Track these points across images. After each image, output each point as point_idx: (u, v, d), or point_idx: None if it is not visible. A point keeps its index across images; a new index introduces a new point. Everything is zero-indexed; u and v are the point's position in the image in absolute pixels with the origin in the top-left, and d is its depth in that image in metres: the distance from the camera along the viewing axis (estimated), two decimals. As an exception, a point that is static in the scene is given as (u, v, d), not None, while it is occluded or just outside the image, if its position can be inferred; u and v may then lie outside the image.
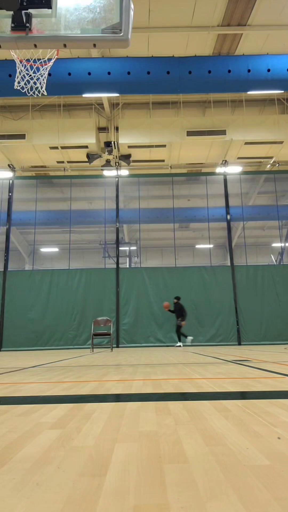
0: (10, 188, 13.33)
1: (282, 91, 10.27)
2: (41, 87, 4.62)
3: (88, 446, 0.94)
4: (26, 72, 4.48)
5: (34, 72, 4.50)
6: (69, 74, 9.34)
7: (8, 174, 13.42)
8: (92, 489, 0.67)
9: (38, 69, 4.49)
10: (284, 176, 13.75)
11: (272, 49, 10.63)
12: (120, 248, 13.94)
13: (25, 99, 12.52)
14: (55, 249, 20.89)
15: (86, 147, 13.03)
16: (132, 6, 3.08)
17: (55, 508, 0.60)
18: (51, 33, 3.09)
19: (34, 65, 4.41)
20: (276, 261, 19.83)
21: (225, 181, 13.37)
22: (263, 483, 0.68)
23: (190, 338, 11.27)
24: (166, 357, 5.28)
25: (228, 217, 13.15)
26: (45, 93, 4.63)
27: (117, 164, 13.56)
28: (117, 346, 11.59)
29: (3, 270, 12.40)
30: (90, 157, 13.45)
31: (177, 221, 15.26)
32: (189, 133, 12.40)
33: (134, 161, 13.76)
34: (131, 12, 3.07)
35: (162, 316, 11.96)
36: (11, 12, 3.04)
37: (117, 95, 10.99)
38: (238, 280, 12.32)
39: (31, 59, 4.34)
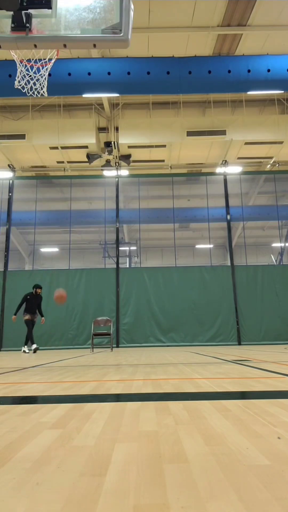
0: (10, 188, 13.33)
1: (282, 91, 10.27)
2: (41, 88, 4.62)
3: (88, 446, 0.94)
4: (27, 72, 4.48)
5: (34, 73, 4.50)
6: (69, 74, 9.35)
7: (8, 174, 13.42)
8: (92, 489, 0.67)
9: (38, 69, 4.49)
10: (284, 176, 13.76)
11: (272, 49, 10.63)
12: (120, 248, 13.94)
13: (25, 99, 12.52)
14: (55, 249, 20.89)
15: (86, 147, 13.03)
16: (132, 6, 3.08)
17: (55, 508, 0.60)
18: (51, 33, 3.09)
19: (35, 65, 4.41)
20: (276, 261, 19.83)
21: (225, 181, 13.37)
22: (263, 483, 0.68)
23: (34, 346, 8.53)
24: (166, 357, 5.28)
25: (228, 217, 13.15)
26: (45, 94, 4.63)
27: (117, 164, 13.56)
28: (117, 346, 11.59)
29: (3, 270, 12.41)
30: (90, 157, 13.45)
31: (177, 221, 15.26)
32: (189, 133, 12.40)
33: (134, 161, 13.76)
34: (131, 13, 3.07)
35: (162, 316, 11.95)
36: (11, 12, 3.04)
37: (117, 95, 10.99)
38: (238, 280, 12.32)
39: (32, 60, 4.34)
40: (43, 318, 8.71)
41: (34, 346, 8.43)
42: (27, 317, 8.47)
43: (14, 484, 0.71)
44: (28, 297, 8.54)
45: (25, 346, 8.52)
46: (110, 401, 1.62)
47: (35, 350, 8.37)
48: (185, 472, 0.75)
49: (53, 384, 2.30)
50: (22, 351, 8.58)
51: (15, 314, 8.43)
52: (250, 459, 0.81)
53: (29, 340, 8.53)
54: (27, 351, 8.42)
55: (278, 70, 9.50)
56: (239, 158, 13.77)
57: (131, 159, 13.59)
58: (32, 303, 8.56)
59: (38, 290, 8.63)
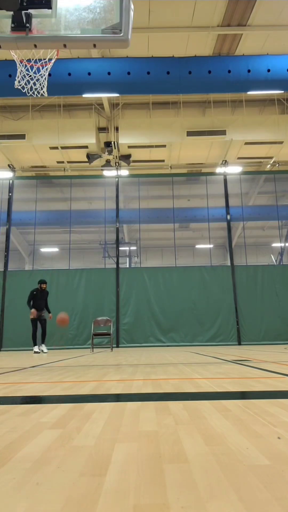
0: (10, 188, 13.33)
1: (282, 91, 10.27)
2: (41, 88, 4.62)
3: (88, 446, 0.94)
4: (27, 72, 4.48)
5: (34, 73, 4.50)
6: (69, 74, 9.34)
7: (8, 174, 13.41)
8: (92, 489, 0.67)
9: (38, 69, 4.49)
10: (284, 176, 13.75)
11: (272, 49, 10.63)
12: (120, 248, 13.94)
13: (25, 99, 12.51)
14: (55, 249, 20.89)
15: (86, 147, 13.02)
16: (132, 6, 3.08)
17: (55, 508, 0.60)
18: (51, 33, 3.09)
19: (35, 65, 4.41)
20: (276, 261, 19.83)
21: (225, 181, 13.37)
22: (263, 483, 0.68)
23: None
24: (166, 357, 5.28)
25: (228, 217, 13.15)
26: (45, 94, 4.63)
27: (117, 164, 13.55)
28: (117, 346, 11.59)
29: (3, 270, 12.40)
30: (90, 157, 13.45)
31: (177, 221, 15.26)
32: (189, 133, 12.39)
33: (134, 161, 13.75)
34: (131, 13, 3.07)
35: (162, 316, 11.95)
36: (11, 12, 3.04)
37: (117, 95, 10.99)
38: (238, 280, 12.32)
39: (32, 60, 4.34)
40: (50, 314, 8.61)
41: (36, 348, 8.37)
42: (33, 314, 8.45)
43: (14, 484, 0.71)
44: (35, 293, 8.50)
45: (42, 345, 8.41)
46: (110, 401, 1.62)
47: (35, 352, 8.29)
48: (185, 472, 0.75)
49: (53, 384, 2.30)
50: (40, 351, 8.38)
51: (31, 309, 8.35)
52: (250, 459, 0.81)
53: (44, 338, 8.46)
54: (39, 350, 8.31)
55: (278, 70, 9.50)
56: (239, 158, 13.76)
57: (131, 159, 13.59)
58: (39, 299, 8.51)
59: (43, 285, 8.57)
